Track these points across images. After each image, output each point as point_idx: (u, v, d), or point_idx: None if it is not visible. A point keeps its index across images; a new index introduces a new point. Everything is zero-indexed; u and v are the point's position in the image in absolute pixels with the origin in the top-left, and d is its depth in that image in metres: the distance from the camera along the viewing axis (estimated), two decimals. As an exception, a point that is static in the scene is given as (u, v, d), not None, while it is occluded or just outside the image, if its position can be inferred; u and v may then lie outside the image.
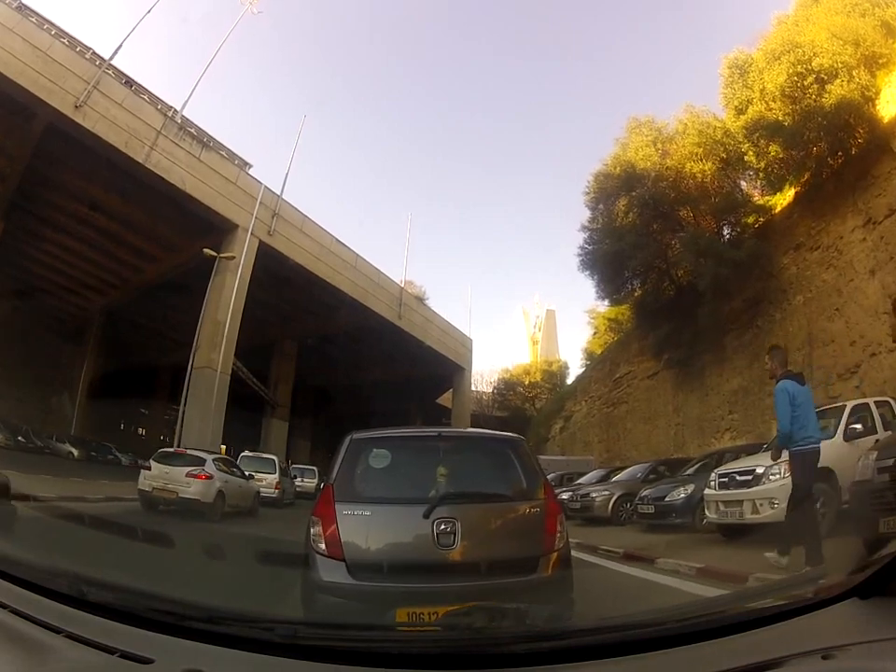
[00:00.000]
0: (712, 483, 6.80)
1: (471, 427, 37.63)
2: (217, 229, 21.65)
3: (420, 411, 43.74)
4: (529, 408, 39.09)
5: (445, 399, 42.09)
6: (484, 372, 44.08)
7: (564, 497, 12.09)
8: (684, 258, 14.41)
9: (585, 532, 9.29)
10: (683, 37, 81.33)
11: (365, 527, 2.79)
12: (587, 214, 17.81)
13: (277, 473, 15.20)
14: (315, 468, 22.90)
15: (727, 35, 55.45)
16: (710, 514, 6.77)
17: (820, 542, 4.37)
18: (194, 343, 17.97)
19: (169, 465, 10.33)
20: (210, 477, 10.18)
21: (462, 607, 1.69)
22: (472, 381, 39.19)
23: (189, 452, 11.57)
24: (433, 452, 3.21)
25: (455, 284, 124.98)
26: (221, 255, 18.48)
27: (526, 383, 39.78)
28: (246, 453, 16.75)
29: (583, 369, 28.70)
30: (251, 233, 21.11)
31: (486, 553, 2.78)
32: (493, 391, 42.39)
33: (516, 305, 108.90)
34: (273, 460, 15.99)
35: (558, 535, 2.91)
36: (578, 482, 13.73)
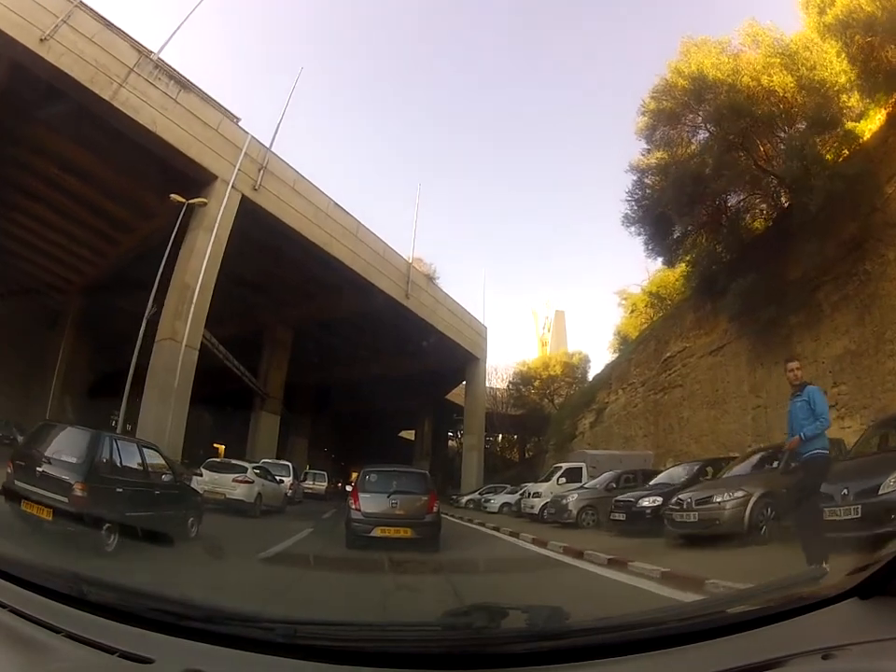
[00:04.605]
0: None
1: (485, 425, 34.54)
2: (194, 183, 18.74)
3: (428, 409, 40.51)
4: (547, 404, 35.63)
5: (456, 396, 38.85)
6: (498, 367, 40.70)
7: (645, 503, 9.06)
8: (788, 171, 11.12)
9: (718, 561, 5.69)
10: None
11: (368, 500, 7.70)
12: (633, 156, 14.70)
13: (291, 477, 17.58)
14: (325, 472, 25.87)
15: None
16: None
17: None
18: (148, 308, 14.88)
19: (217, 472, 12.17)
20: (251, 482, 12.08)
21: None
22: (486, 375, 35.73)
23: (231, 461, 13.78)
24: (393, 474, 8.54)
25: (466, 274, 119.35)
26: (190, 201, 15.44)
27: (545, 376, 36.25)
28: (266, 459, 18.67)
29: (617, 354, 25.21)
30: (232, 185, 18.06)
31: (408, 511, 7.64)
32: (508, 386, 38.90)
33: (525, 305, 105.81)
34: (288, 466, 18.52)
35: (434, 507, 7.87)
36: (654, 483, 10.30)
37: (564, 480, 14.99)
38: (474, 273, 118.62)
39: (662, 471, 11.61)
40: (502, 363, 43.57)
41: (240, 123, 21.01)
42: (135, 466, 6.38)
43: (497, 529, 12.56)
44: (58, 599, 1.29)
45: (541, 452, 32.35)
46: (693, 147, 13.53)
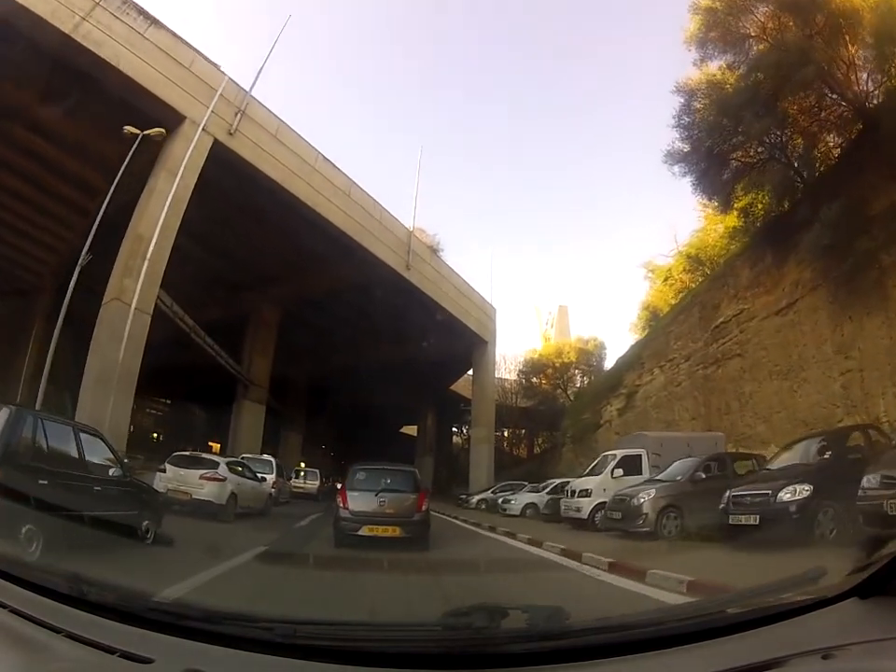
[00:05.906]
0: None
1: (494, 417, 31.85)
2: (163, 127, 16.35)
3: (431, 402, 37.94)
4: (561, 395, 32.88)
5: (460, 388, 36.19)
6: (506, 356, 37.97)
7: (786, 496, 6.36)
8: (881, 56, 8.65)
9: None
10: None
11: (356, 498, 7.63)
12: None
13: (275, 474, 15.99)
14: (317, 470, 24.00)
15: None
16: None
17: None
18: (83, 255, 12.32)
19: (183, 468, 10.63)
20: (223, 480, 10.55)
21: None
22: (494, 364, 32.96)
23: (202, 455, 12.29)
24: (382, 472, 8.42)
25: (468, 272, 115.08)
26: (145, 132, 12.94)
27: (558, 364, 33.51)
28: (247, 454, 17.00)
29: (645, 333, 22.46)
30: (203, 127, 15.55)
31: (396, 510, 7.57)
32: (518, 375, 36.20)
33: (527, 301, 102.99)
34: (271, 462, 16.87)
35: (424, 506, 7.77)
36: (775, 468, 7.57)
37: (620, 472, 11.48)
38: (476, 265, 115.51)
39: (755, 455, 8.93)
40: (509, 353, 40.86)
41: (222, 70, 18.77)
42: (70, 454, 5.44)
43: (536, 543, 8.84)
44: (58, 599, 1.29)
45: (556, 446, 29.64)
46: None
